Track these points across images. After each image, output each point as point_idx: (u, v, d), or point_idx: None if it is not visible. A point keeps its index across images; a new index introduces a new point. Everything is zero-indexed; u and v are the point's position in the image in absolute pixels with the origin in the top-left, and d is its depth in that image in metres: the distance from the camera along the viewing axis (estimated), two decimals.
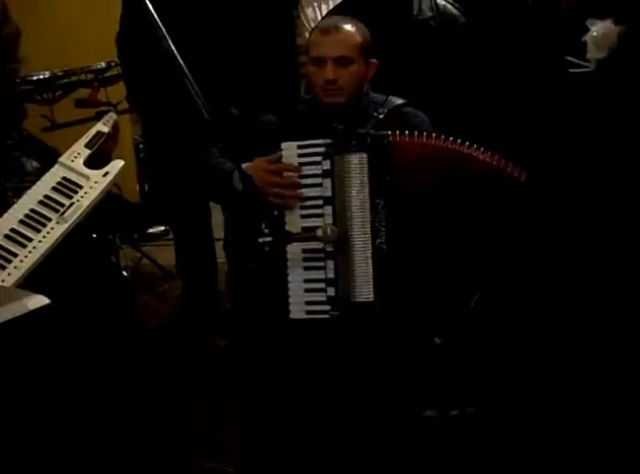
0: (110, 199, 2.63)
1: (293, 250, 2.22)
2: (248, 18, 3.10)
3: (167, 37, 2.06)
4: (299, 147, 2.23)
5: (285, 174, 2.23)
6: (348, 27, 2.31)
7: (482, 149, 2.20)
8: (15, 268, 2.33)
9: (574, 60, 2.40)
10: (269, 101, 2.88)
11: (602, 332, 2.47)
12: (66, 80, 3.80)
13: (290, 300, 2.22)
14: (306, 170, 2.23)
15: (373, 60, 2.36)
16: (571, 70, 2.42)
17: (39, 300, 1.79)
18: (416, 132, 2.21)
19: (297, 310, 2.23)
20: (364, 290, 2.20)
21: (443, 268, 2.23)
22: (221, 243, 3.42)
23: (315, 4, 3.67)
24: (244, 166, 2.25)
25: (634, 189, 2.41)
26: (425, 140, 2.20)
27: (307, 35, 3.69)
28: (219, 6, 3.10)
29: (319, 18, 3.48)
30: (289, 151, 2.24)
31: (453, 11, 2.86)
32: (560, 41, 2.46)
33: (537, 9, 2.59)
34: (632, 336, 2.43)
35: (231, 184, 2.26)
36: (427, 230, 2.21)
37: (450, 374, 2.33)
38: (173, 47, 2.06)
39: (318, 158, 2.22)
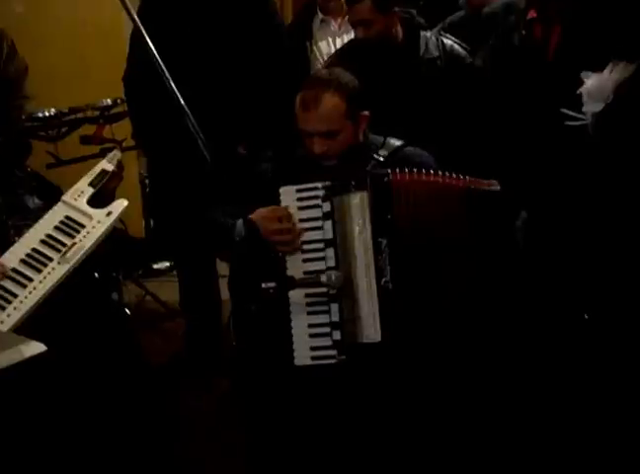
0: (114, 235, 2.61)
1: (296, 295, 2.19)
2: (259, 51, 3.10)
3: (169, 79, 2.05)
4: (297, 191, 2.22)
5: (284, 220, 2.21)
6: (329, 97, 2.23)
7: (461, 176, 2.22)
8: (14, 308, 2.31)
9: (570, 113, 2.40)
10: (280, 138, 2.88)
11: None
12: (72, 116, 3.80)
13: (295, 347, 2.19)
14: (306, 213, 2.22)
15: (364, 113, 2.32)
16: (567, 123, 2.42)
17: (35, 347, 1.75)
18: (415, 170, 2.20)
19: (302, 356, 2.19)
20: (371, 331, 2.17)
21: (451, 302, 2.20)
22: (226, 280, 3.39)
23: (330, 38, 3.69)
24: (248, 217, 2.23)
25: (631, 237, 2.39)
26: (423, 177, 2.19)
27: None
28: (229, 43, 3.10)
29: (332, 52, 3.49)
30: (288, 195, 2.22)
31: (460, 51, 2.88)
32: (554, 94, 2.46)
33: (525, 59, 2.60)
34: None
35: (233, 235, 2.23)
36: (431, 265, 2.19)
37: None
38: (175, 89, 2.05)
39: (317, 201, 2.20)
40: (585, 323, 2.47)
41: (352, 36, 3.45)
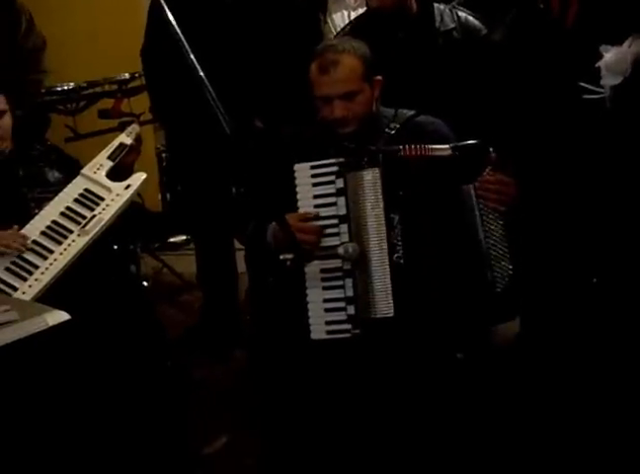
0: (131, 209, 2.64)
1: (312, 269, 2.21)
2: (273, 25, 3.10)
3: (189, 51, 2.05)
4: (312, 167, 2.23)
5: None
6: (346, 58, 2.26)
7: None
8: (36, 280, 2.35)
9: (588, 86, 2.38)
10: (295, 111, 2.89)
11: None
12: (90, 91, 3.82)
13: (311, 321, 2.21)
14: (320, 190, 2.23)
15: (378, 77, 2.34)
16: (585, 96, 2.40)
17: (59, 316, 1.79)
18: (425, 146, 2.21)
19: (318, 330, 2.21)
20: (384, 306, 2.18)
21: (461, 277, 2.20)
22: (242, 253, 3.42)
23: (344, 11, 3.67)
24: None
25: None
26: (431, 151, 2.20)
27: None
28: (244, 16, 3.10)
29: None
30: (302, 172, 2.24)
31: (475, 22, 2.86)
32: (572, 66, 2.45)
33: (543, 33, 2.58)
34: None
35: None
36: (441, 239, 2.20)
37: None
38: (195, 62, 2.05)
39: (331, 177, 2.21)
40: (593, 287, 2.47)
41: (365, 8, 3.45)
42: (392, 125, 2.35)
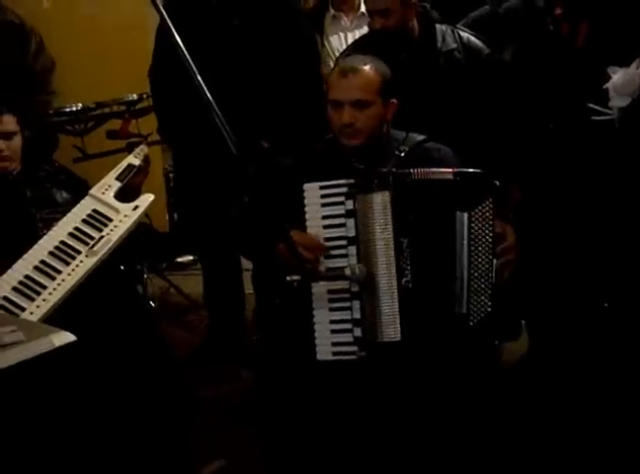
0: (139, 229, 2.64)
1: (319, 291, 2.21)
2: (273, 49, 3.12)
3: (196, 72, 2.07)
4: (322, 188, 2.23)
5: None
6: (366, 68, 2.30)
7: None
8: (44, 300, 2.35)
9: (596, 108, 2.39)
10: (296, 131, 2.89)
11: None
12: (98, 111, 3.84)
13: (317, 341, 2.21)
14: (329, 210, 2.23)
15: (394, 100, 2.36)
16: (593, 118, 2.41)
17: (65, 337, 1.78)
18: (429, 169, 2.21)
19: (324, 351, 2.21)
20: (391, 330, 2.18)
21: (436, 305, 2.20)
22: (249, 273, 3.42)
23: (341, 34, 3.70)
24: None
25: None
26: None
27: (332, 64, 3.72)
28: (250, 38, 3.12)
29: (344, 47, 3.49)
30: (312, 192, 2.23)
31: (477, 42, 2.88)
32: (581, 88, 2.45)
33: (554, 50, 2.59)
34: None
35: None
36: (445, 264, 2.19)
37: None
38: (202, 83, 2.06)
39: (341, 198, 2.21)
40: (604, 312, 2.46)
41: (363, 31, 3.47)
42: (402, 148, 2.36)
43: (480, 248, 2.19)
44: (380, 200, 2.19)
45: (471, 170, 2.22)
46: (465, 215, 2.18)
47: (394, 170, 2.26)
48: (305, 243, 2.20)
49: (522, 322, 2.69)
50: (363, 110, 2.28)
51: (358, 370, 2.20)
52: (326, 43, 3.69)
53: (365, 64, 2.31)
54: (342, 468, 2.22)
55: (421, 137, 2.41)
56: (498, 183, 2.19)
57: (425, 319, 2.18)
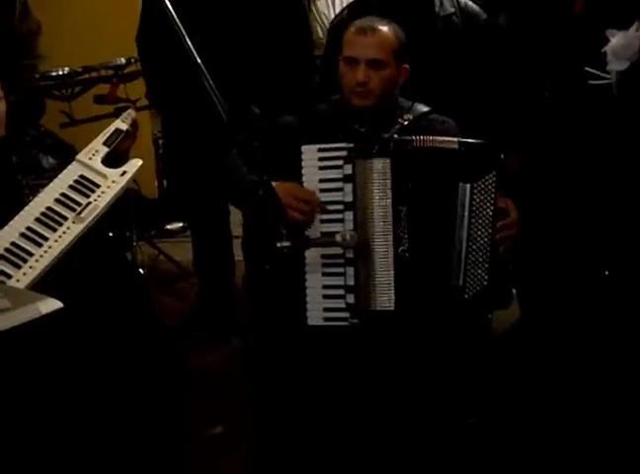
0: (127, 196, 2.61)
1: (312, 255, 2.19)
2: (261, 13, 3.07)
3: (185, 36, 2.03)
4: (320, 150, 2.19)
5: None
6: (385, 29, 2.27)
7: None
8: (30, 267, 2.32)
9: (594, 72, 2.36)
10: (285, 97, 2.86)
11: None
12: (86, 76, 3.79)
13: (308, 306, 2.19)
14: (327, 174, 2.19)
15: (406, 66, 2.32)
16: (591, 82, 2.38)
17: (52, 304, 1.76)
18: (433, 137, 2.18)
19: (315, 316, 2.19)
20: (385, 299, 2.16)
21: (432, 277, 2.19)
22: (239, 241, 3.40)
23: None
24: (275, 184, 2.18)
25: None
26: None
27: (319, 29, 3.67)
28: (240, 3, 3.07)
29: (332, 12, 3.46)
30: (310, 154, 2.20)
31: (475, 7, 2.84)
32: (578, 52, 2.42)
33: (551, 14, 2.55)
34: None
35: (255, 194, 2.22)
36: (443, 235, 2.17)
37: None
38: (191, 47, 2.02)
39: (339, 162, 2.17)
40: (605, 280, 2.46)
41: None
42: (405, 117, 2.32)
43: (480, 221, 2.17)
44: (381, 167, 2.16)
45: (477, 141, 2.20)
46: (468, 187, 2.16)
47: (396, 136, 2.23)
48: (302, 196, 2.17)
49: (513, 290, 2.68)
50: (378, 70, 2.24)
51: (349, 337, 2.19)
52: (313, 8, 3.64)
53: (384, 25, 2.28)
54: (332, 435, 2.21)
55: (426, 108, 2.38)
56: (503, 156, 2.17)
57: (420, 289, 2.17)
